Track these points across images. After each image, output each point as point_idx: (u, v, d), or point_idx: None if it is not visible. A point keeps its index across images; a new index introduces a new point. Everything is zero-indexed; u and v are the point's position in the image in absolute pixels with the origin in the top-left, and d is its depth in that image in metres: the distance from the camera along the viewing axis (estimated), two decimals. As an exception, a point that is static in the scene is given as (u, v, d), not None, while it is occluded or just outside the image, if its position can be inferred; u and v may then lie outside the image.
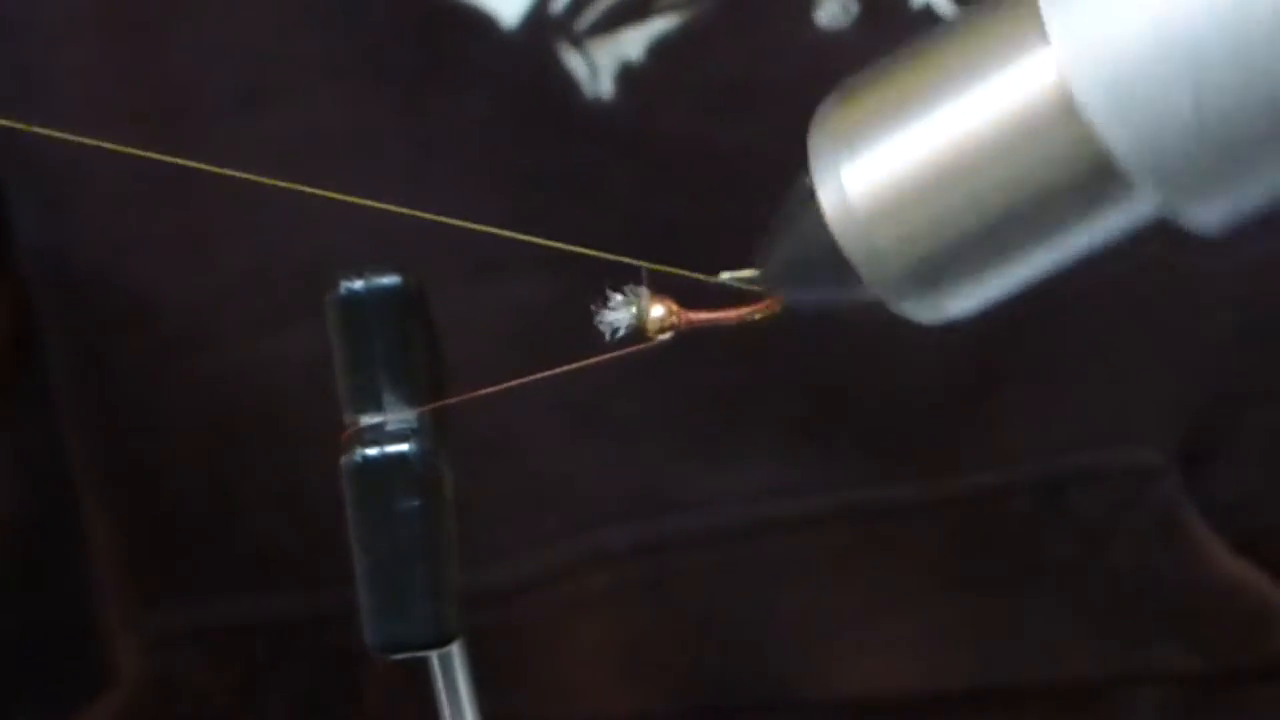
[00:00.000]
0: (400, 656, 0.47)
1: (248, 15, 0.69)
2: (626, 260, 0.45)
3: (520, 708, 0.74)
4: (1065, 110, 0.38)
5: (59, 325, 0.72)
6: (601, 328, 0.45)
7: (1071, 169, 0.39)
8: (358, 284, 0.46)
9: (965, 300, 0.41)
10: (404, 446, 0.46)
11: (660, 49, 0.69)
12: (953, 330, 0.70)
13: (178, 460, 0.73)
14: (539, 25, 0.69)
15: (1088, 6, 0.37)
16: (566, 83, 0.69)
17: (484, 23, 0.69)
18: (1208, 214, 0.39)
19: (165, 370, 0.72)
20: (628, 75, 0.69)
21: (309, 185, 0.69)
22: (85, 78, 0.69)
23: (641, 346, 0.45)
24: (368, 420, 0.46)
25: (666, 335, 0.45)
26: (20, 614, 0.77)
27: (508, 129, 0.70)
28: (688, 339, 0.46)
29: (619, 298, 0.45)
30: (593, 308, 0.45)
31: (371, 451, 0.46)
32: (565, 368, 0.46)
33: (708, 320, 0.45)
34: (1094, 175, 0.38)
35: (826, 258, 0.41)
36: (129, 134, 0.70)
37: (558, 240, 0.51)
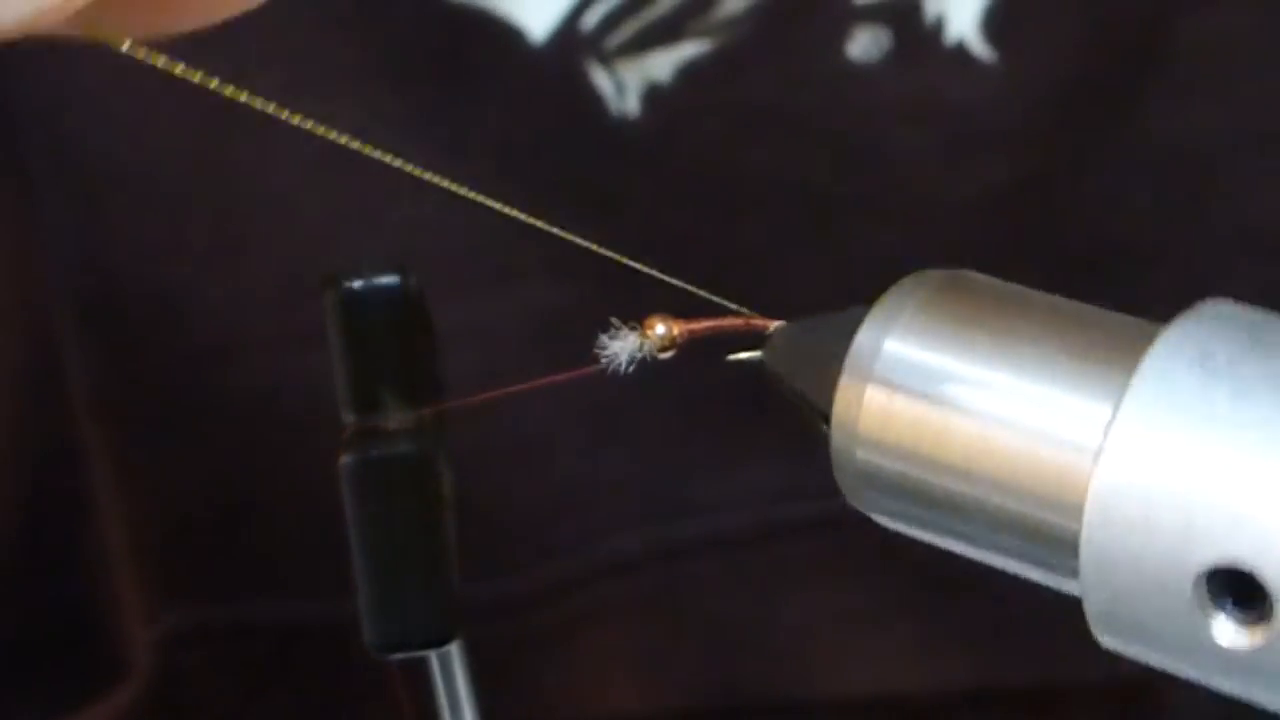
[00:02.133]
0: (400, 656, 0.47)
1: (279, 22, 0.69)
2: (648, 270, 0.45)
3: (534, 715, 0.74)
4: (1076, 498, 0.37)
5: (85, 326, 0.72)
6: (605, 360, 0.45)
7: (1047, 535, 0.38)
8: (357, 283, 0.46)
9: (896, 527, 0.42)
10: (404, 447, 0.46)
11: (689, 72, 0.69)
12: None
13: (194, 463, 0.73)
14: (568, 42, 0.69)
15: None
16: (592, 99, 0.69)
17: (512, 36, 0.69)
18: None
19: (189, 377, 0.72)
20: (654, 95, 0.69)
21: (329, 191, 0.69)
22: (131, 85, 0.68)
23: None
24: (367, 420, 0.46)
25: (670, 353, 0.45)
26: (31, 609, 0.77)
27: (530, 142, 0.70)
28: (698, 341, 0.46)
29: (622, 329, 0.45)
30: (599, 339, 0.45)
31: (371, 452, 0.46)
32: (567, 374, 0.46)
33: (709, 329, 0.45)
34: (1059, 551, 0.38)
35: (811, 417, 0.41)
36: (174, 140, 0.70)
37: (575, 254, 0.51)
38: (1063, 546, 0.37)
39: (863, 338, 0.40)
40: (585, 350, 0.45)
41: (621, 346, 0.45)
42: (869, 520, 0.73)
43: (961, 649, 0.73)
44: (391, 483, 0.46)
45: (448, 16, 0.69)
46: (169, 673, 0.74)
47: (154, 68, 0.37)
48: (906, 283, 0.40)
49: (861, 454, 0.40)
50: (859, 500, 0.40)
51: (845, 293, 0.40)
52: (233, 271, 0.72)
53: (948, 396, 0.38)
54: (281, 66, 0.69)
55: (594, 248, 0.45)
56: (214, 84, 0.37)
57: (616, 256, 0.46)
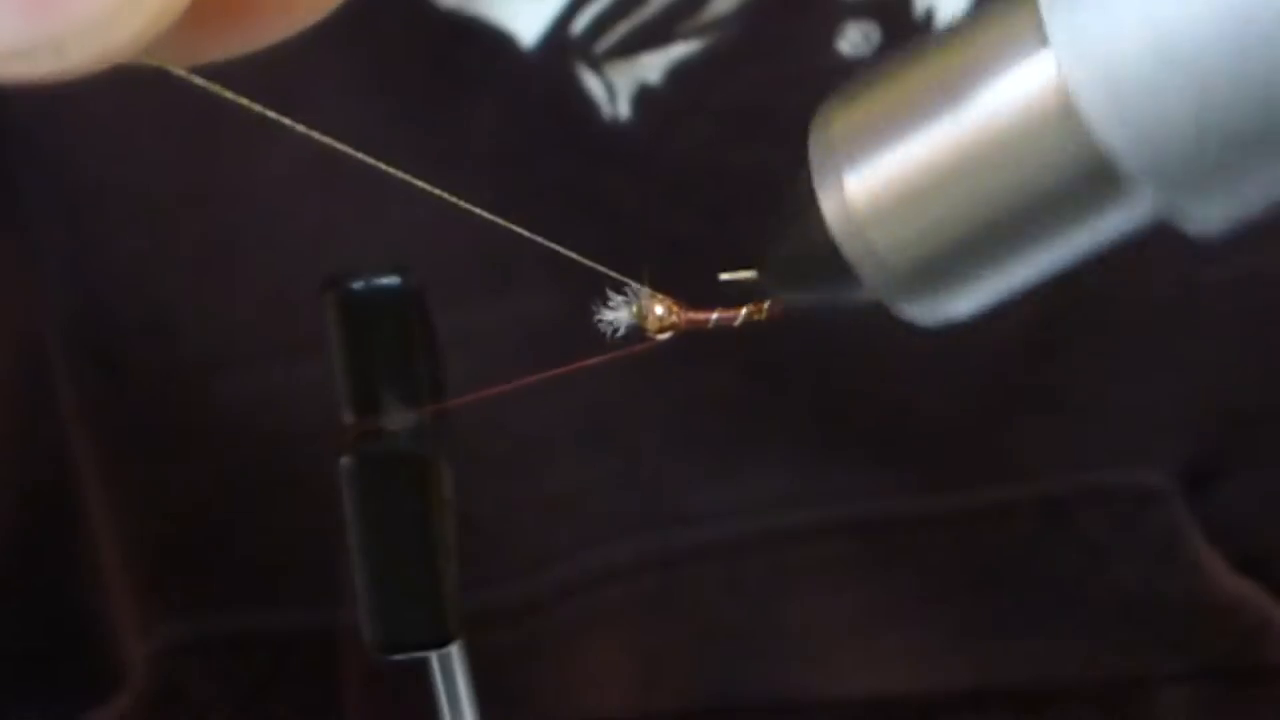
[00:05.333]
0: (399, 657, 0.47)
1: None
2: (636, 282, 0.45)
3: None
4: (1065, 111, 0.38)
5: (75, 337, 0.72)
6: (601, 326, 0.45)
7: (1071, 170, 0.39)
8: (357, 284, 0.46)
9: (966, 301, 0.41)
10: (404, 447, 0.46)
11: (680, 73, 0.69)
12: (965, 346, 0.70)
13: (187, 474, 0.73)
14: (557, 46, 0.69)
15: (1087, 7, 0.37)
16: (583, 103, 0.69)
17: (501, 41, 0.69)
18: (1207, 215, 0.39)
19: (180, 390, 0.72)
20: (645, 98, 0.69)
21: (320, 199, 0.69)
22: (114, 89, 0.69)
23: (643, 347, 0.45)
24: (367, 421, 0.46)
25: (667, 335, 0.45)
26: (25, 622, 0.77)
27: (521, 146, 0.70)
28: (695, 349, 0.46)
29: (619, 298, 0.45)
30: (593, 307, 0.45)
31: (371, 452, 0.46)
32: (566, 368, 0.46)
33: (708, 319, 0.45)
34: (1093, 175, 0.38)
35: (826, 259, 0.41)
36: (158, 143, 0.70)
37: (570, 260, 0.51)
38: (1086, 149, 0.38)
39: (813, 151, 0.41)
40: (576, 356, 0.45)
41: (617, 316, 0.45)
42: (867, 528, 0.73)
43: (960, 649, 0.73)
44: (391, 483, 0.46)
45: (438, 23, 0.69)
46: (164, 685, 0.74)
47: (143, 83, 0.37)
48: (815, 116, 0.41)
49: (864, 217, 0.40)
50: (893, 273, 0.40)
51: None
52: (223, 284, 0.71)
53: (900, 116, 0.40)
54: (271, 74, 0.69)
55: (585, 261, 0.45)
56: (257, 108, 0.38)
57: (610, 272, 0.45)
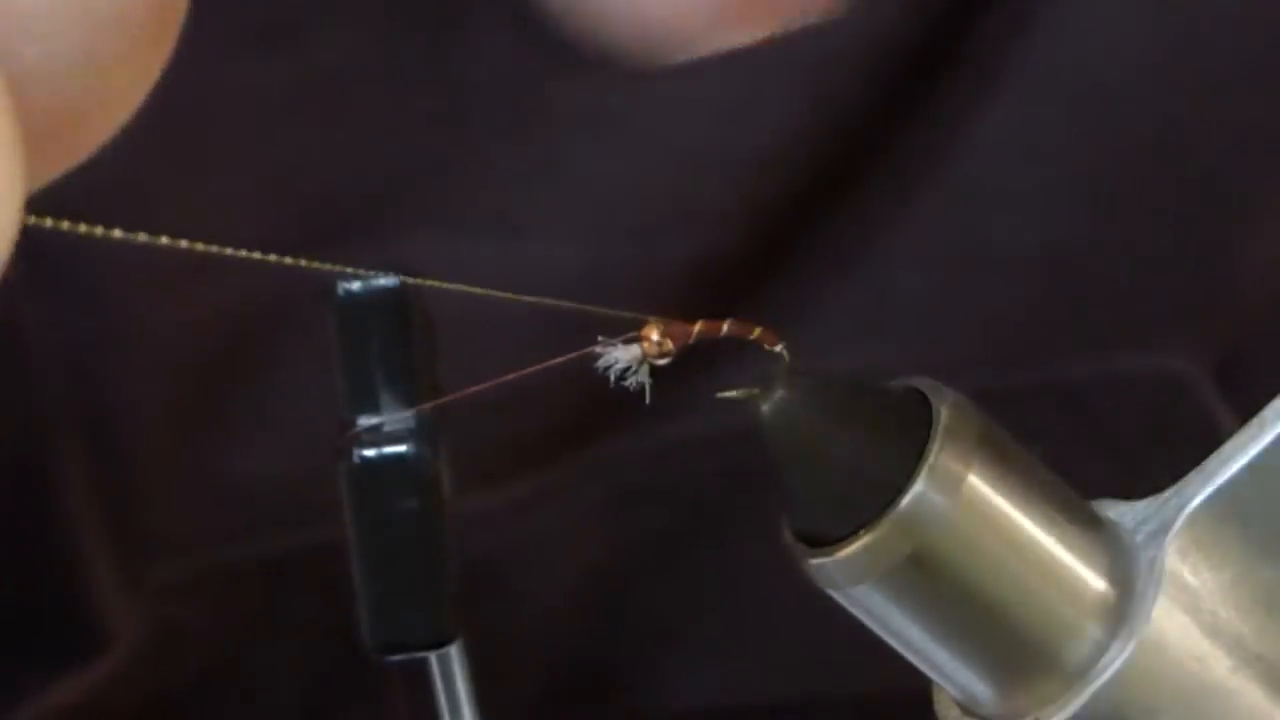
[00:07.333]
0: (399, 657, 0.47)
1: None
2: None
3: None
4: None
5: (39, 314, 0.71)
6: (601, 370, 0.44)
7: None
8: (355, 285, 0.46)
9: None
10: (402, 448, 0.46)
11: None
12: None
13: (156, 409, 0.72)
14: None
15: None
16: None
17: None
18: None
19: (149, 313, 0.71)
20: None
21: (331, 126, 0.67)
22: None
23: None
24: (366, 421, 0.46)
25: (667, 359, 0.45)
26: (5, 580, 0.76)
27: (538, 75, 0.69)
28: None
29: (614, 339, 0.44)
30: (595, 349, 0.44)
31: (370, 453, 0.46)
32: (561, 358, 0.45)
33: (705, 332, 0.45)
34: None
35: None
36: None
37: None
38: None
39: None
40: (577, 360, 0.45)
41: (617, 356, 0.44)
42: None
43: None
44: (391, 483, 0.46)
45: None
46: (161, 630, 0.73)
47: None
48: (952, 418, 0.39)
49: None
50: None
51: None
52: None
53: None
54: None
55: (590, 309, 0.44)
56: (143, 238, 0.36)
57: (610, 311, 0.45)
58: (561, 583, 0.74)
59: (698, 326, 0.43)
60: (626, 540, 0.73)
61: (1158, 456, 0.70)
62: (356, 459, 0.46)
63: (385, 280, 0.46)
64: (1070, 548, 0.39)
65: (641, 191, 0.69)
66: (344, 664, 0.73)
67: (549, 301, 0.43)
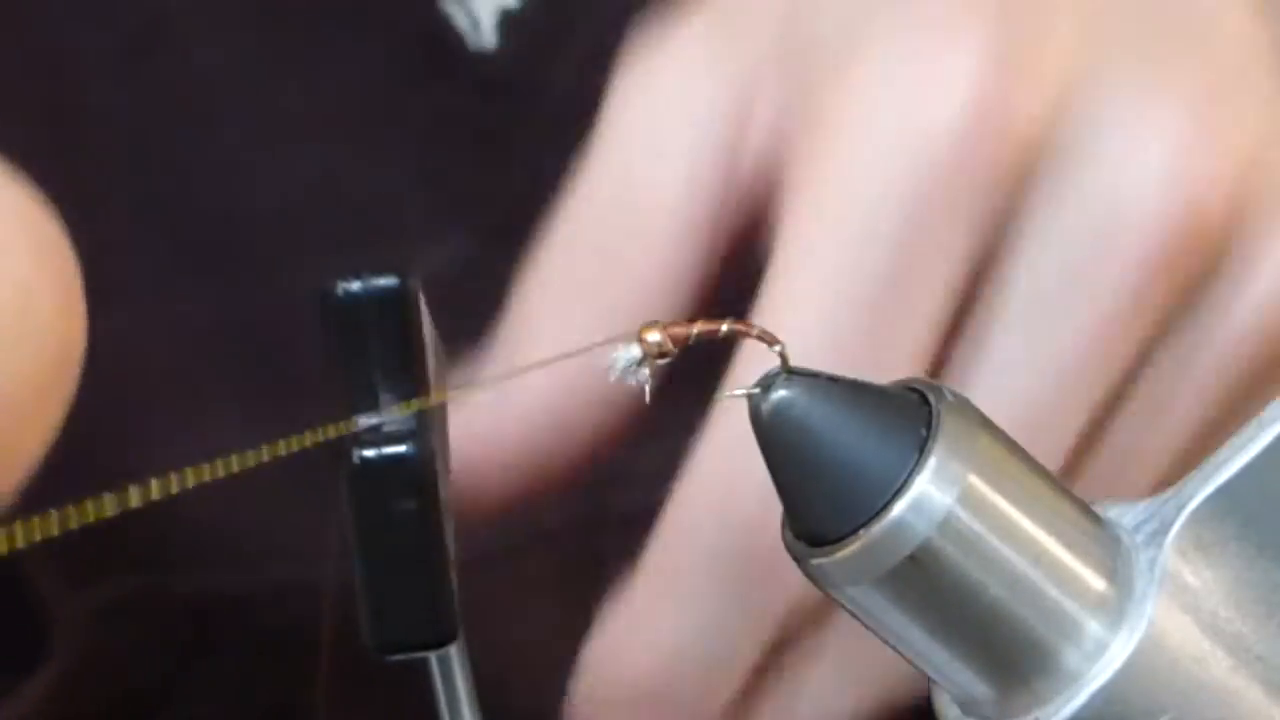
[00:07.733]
0: (398, 657, 0.47)
1: None
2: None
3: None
4: None
5: None
6: (601, 369, 0.44)
7: None
8: (355, 285, 0.46)
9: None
10: (402, 448, 0.46)
11: None
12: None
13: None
14: None
15: None
16: (449, 35, 0.67)
17: None
18: None
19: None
20: (510, 25, 0.67)
21: (205, 132, 0.67)
22: None
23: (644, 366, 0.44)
24: (365, 421, 0.46)
25: (667, 359, 0.45)
26: None
27: (404, 81, 0.68)
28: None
29: (615, 340, 0.44)
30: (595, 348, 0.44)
31: (369, 453, 0.46)
32: (562, 356, 0.45)
33: (705, 331, 0.45)
34: None
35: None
36: (9, 93, 0.68)
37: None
38: None
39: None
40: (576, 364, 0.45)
41: (616, 356, 0.44)
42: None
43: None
44: (391, 483, 0.46)
45: None
46: (95, 647, 0.73)
47: None
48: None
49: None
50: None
51: None
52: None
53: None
54: (143, 11, 0.66)
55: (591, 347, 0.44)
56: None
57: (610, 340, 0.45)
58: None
59: (697, 326, 0.43)
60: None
61: None
62: (356, 459, 0.46)
63: (385, 279, 0.46)
64: (1070, 548, 0.39)
65: None
66: (275, 693, 0.73)
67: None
